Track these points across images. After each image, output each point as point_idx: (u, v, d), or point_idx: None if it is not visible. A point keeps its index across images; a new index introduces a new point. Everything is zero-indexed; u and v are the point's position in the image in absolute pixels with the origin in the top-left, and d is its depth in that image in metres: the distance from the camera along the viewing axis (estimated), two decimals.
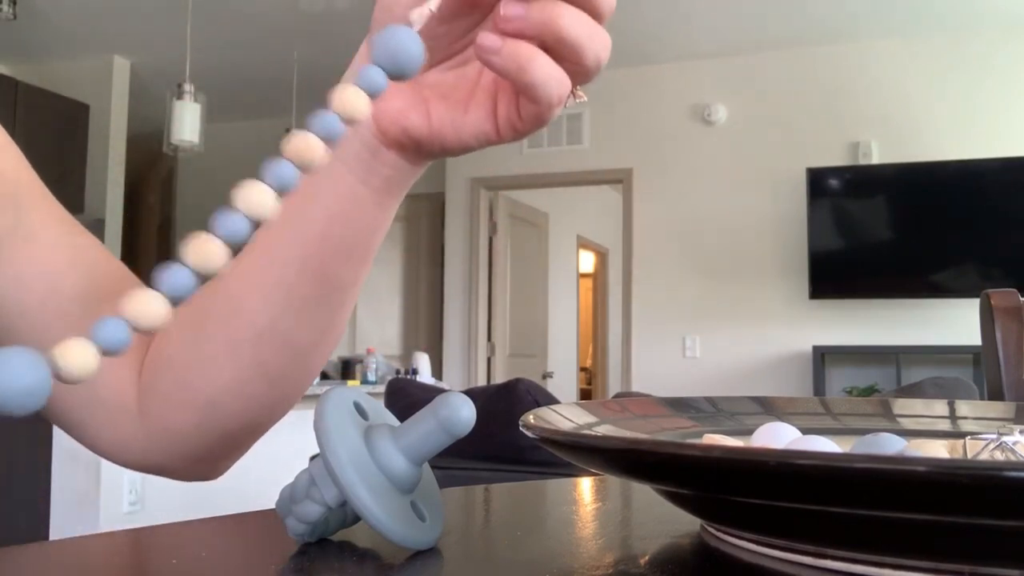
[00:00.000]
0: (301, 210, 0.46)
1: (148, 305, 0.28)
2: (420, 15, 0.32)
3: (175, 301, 0.28)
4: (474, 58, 0.40)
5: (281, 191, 0.28)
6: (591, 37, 0.35)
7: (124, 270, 0.55)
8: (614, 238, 6.27)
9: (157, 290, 0.28)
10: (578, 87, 0.39)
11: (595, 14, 0.36)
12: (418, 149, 0.42)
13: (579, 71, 0.36)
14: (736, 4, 4.44)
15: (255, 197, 0.28)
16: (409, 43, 0.30)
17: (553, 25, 0.34)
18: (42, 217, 0.52)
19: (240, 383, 0.49)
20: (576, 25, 0.35)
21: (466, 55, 0.41)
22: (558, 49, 0.35)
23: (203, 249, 0.28)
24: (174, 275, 0.28)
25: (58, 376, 0.25)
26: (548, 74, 0.35)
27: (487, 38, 0.35)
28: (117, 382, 0.51)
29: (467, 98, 0.40)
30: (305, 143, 0.29)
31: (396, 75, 0.30)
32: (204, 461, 0.55)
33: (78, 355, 0.26)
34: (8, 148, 0.52)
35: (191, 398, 0.50)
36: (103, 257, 0.54)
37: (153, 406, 0.51)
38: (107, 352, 0.27)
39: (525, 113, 0.38)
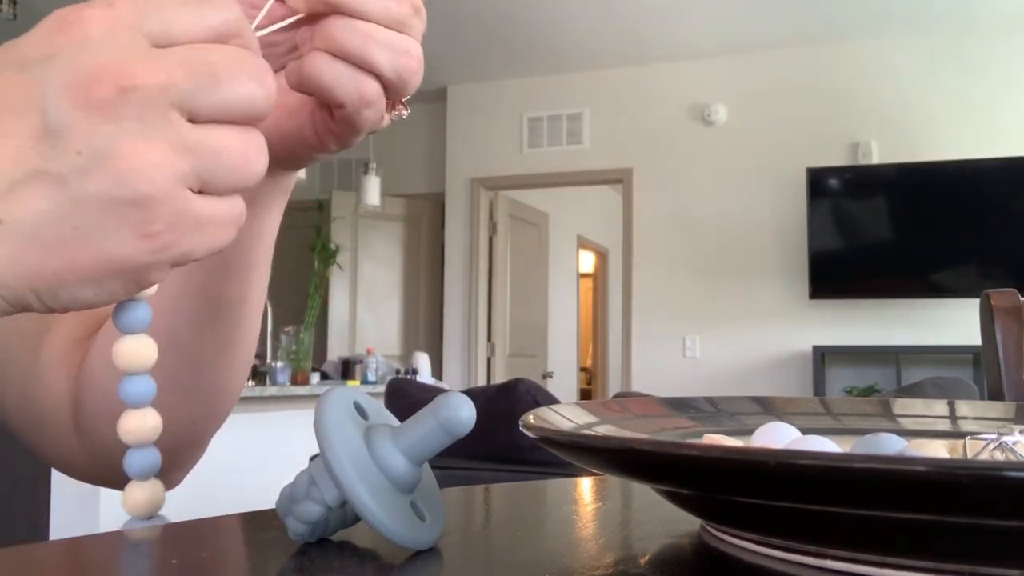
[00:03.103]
0: None
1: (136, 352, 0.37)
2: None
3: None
4: None
5: None
6: (380, 46, 0.36)
7: None
8: (614, 238, 6.27)
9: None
10: (402, 100, 0.39)
11: (392, 16, 0.36)
12: None
13: (386, 84, 0.37)
14: (736, 4, 4.44)
15: None
16: None
17: (331, 39, 0.36)
18: None
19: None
20: (357, 35, 0.36)
21: None
22: (350, 60, 0.36)
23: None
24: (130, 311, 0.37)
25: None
26: (337, 74, 0.36)
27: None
28: (56, 399, 0.52)
29: (290, 107, 0.41)
30: None
31: None
32: None
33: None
34: None
35: (113, 412, 0.50)
36: None
37: (84, 422, 0.52)
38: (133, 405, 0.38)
39: (337, 116, 0.39)
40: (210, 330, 0.49)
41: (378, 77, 0.37)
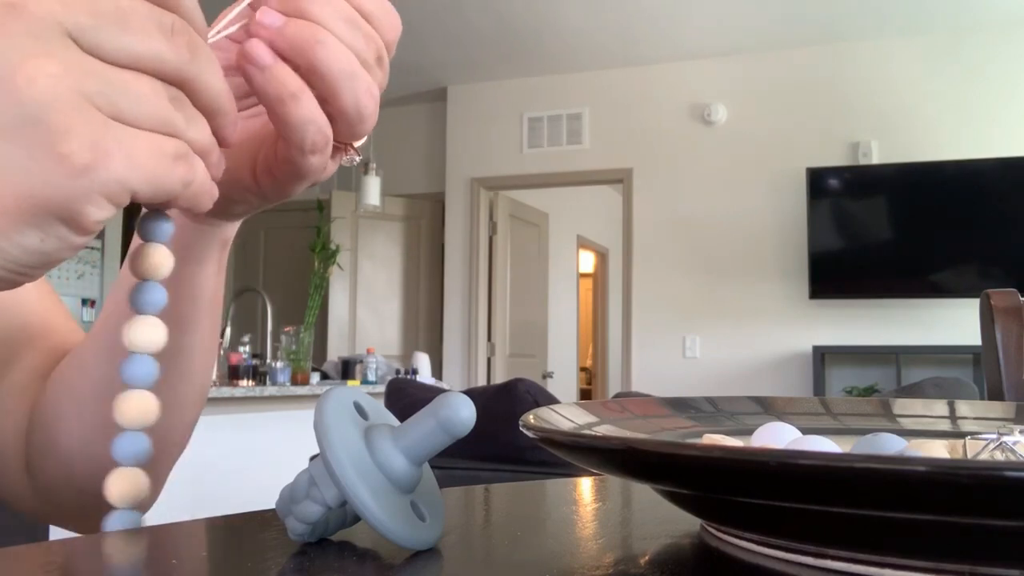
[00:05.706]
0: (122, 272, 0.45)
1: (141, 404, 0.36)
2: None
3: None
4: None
5: None
6: (351, 76, 0.33)
7: (56, 307, 0.56)
8: (614, 238, 6.26)
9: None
10: (353, 143, 0.36)
11: (359, 54, 0.33)
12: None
13: (340, 117, 0.34)
14: (736, 4, 4.44)
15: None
16: None
17: (309, 49, 0.32)
18: None
19: (87, 440, 0.48)
20: (334, 57, 0.32)
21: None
22: (312, 82, 0.33)
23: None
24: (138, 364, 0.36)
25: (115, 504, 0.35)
26: (309, 116, 0.33)
27: (258, 49, 0.32)
28: (14, 429, 0.52)
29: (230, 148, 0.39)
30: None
31: None
32: (89, 519, 0.53)
33: (127, 482, 0.35)
34: None
35: (53, 451, 0.50)
36: (35, 295, 0.55)
37: (30, 458, 0.52)
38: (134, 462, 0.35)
39: (280, 155, 0.36)
40: None
41: (336, 107, 0.33)
